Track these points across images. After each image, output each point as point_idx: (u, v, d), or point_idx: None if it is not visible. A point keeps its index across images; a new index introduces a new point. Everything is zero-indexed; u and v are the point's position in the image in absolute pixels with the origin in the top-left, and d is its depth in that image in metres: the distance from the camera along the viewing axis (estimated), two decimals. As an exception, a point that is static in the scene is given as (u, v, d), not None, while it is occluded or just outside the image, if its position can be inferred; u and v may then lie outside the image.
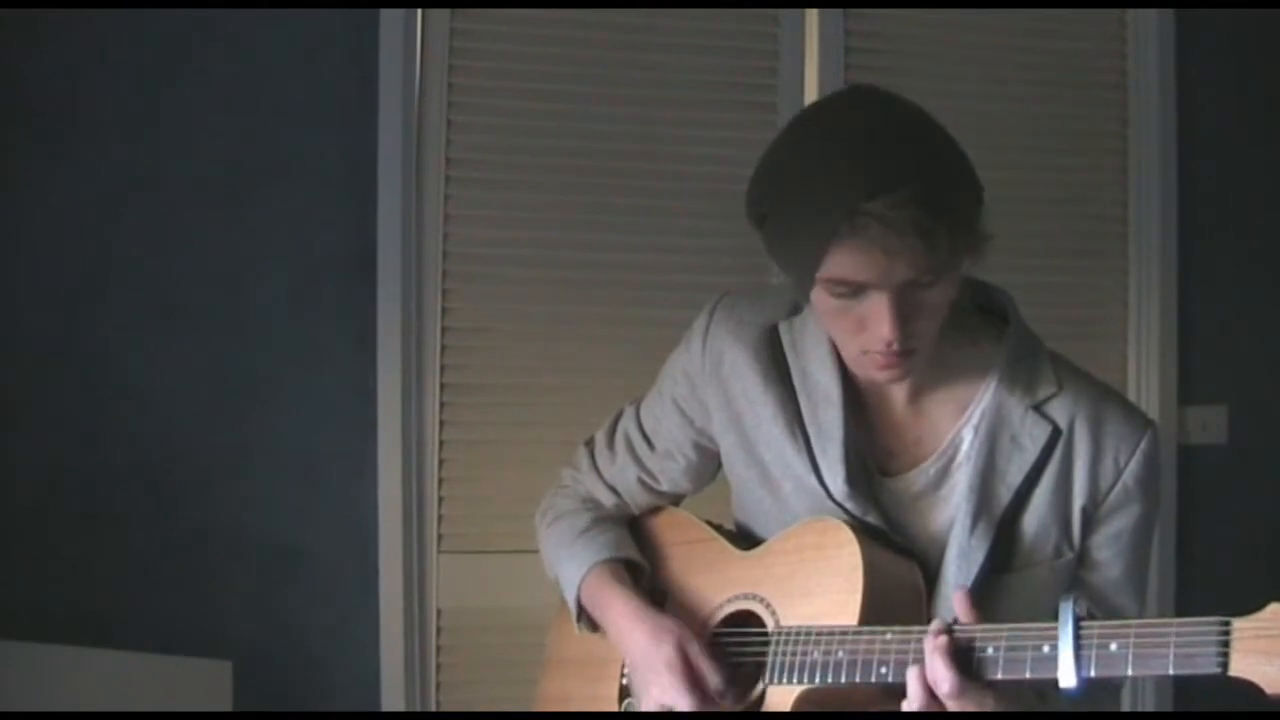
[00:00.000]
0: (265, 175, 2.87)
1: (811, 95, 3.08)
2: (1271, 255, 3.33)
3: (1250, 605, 1.38)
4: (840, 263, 1.54)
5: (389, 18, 2.90)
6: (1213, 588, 3.19)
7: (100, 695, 2.54)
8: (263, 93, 2.87)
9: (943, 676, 1.48)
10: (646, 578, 1.86)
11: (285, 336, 2.88)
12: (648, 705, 1.73)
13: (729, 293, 1.86)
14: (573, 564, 1.86)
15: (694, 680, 1.69)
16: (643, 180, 3.04)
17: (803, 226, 1.55)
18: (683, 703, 1.68)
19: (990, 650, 1.49)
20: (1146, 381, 3.23)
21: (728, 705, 1.69)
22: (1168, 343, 3.24)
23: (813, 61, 3.09)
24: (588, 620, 1.86)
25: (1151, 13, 3.22)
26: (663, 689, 1.70)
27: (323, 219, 2.90)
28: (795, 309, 1.75)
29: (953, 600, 1.55)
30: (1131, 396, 3.07)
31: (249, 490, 2.86)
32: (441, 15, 2.94)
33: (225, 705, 2.73)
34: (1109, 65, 3.26)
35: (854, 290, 1.56)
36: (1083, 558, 1.70)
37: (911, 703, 1.51)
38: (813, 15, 3.10)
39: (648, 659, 1.73)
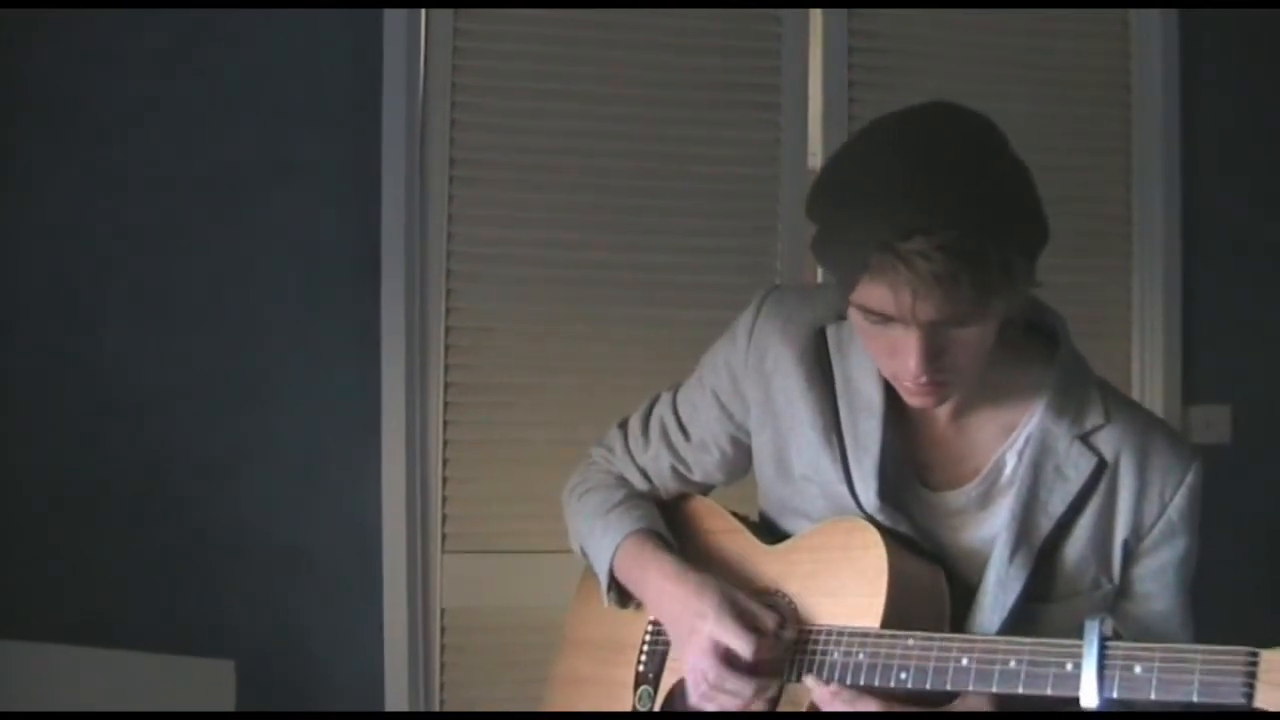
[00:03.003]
0: (269, 175, 2.87)
1: (815, 95, 3.08)
2: (1274, 255, 3.33)
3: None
4: (869, 293, 1.52)
5: (392, 18, 2.90)
6: (1216, 588, 3.17)
7: (102, 695, 2.54)
8: (266, 93, 2.87)
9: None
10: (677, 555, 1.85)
11: (289, 336, 2.88)
12: (693, 653, 1.69)
13: (778, 286, 1.85)
14: (607, 534, 1.85)
15: (747, 620, 1.67)
16: (646, 180, 3.04)
17: (840, 249, 1.54)
18: (739, 640, 1.65)
19: (1013, 664, 1.49)
20: (1150, 381, 3.23)
21: (789, 638, 1.67)
22: (1171, 342, 3.24)
23: (816, 61, 3.09)
24: (617, 592, 1.86)
25: (1154, 12, 3.22)
26: (713, 629, 1.67)
27: (327, 219, 2.90)
28: (844, 312, 1.70)
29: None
30: (1135, 396, 3.07)
31: (252, 490, 2.86)
32: (445, 15, 2.94)
33: (228, 705, 2.73)
34: (1112, 65, 3.26)
35: (884, 319, 1.54)
36: (1126, 590, 1.69)
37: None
38: (816, 15, 3.09)
39: (690, 609, 1.71)
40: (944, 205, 1.46)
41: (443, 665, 2.95)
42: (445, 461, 2.95)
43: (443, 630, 2.95)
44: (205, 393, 2.85)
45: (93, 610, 2.75)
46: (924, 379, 1.56)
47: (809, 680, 1.60)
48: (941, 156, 1.50)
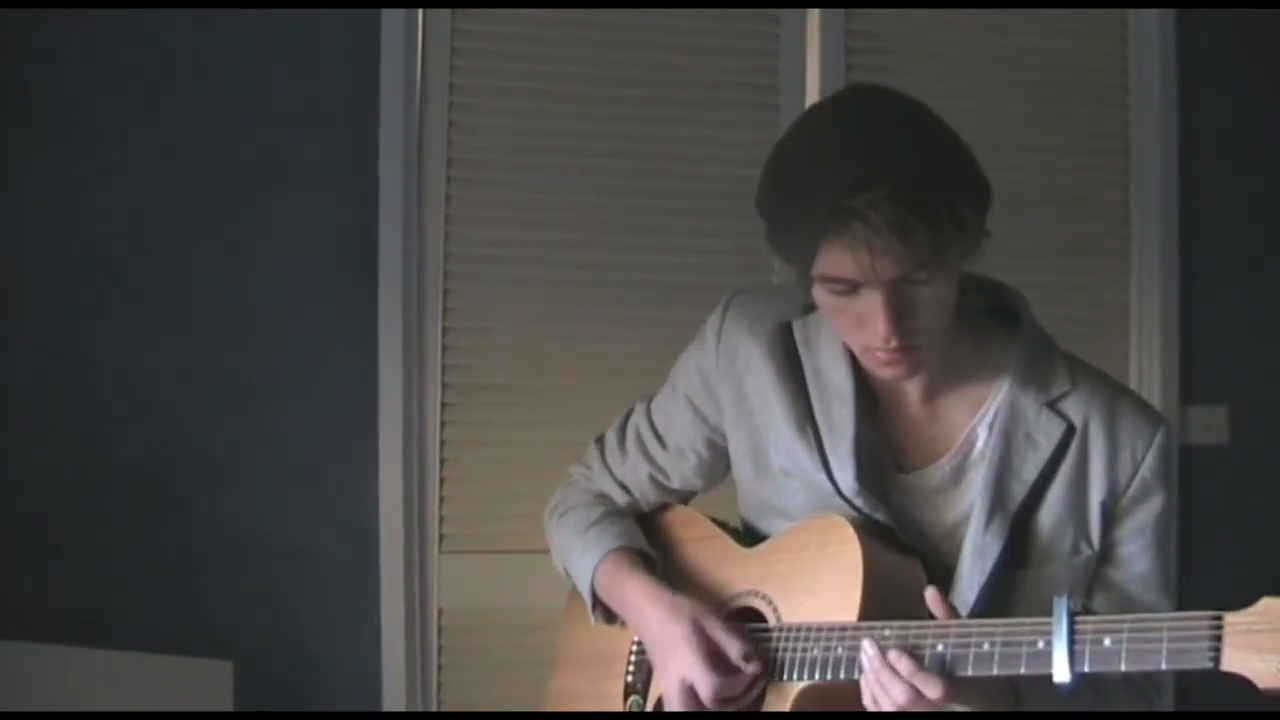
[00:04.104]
0: (267, 175, 2.87)
1: (813, 95, 3.08)
2: (1273, 256, 3.33)
3: (1249, 605, 1.38)
4: (830, 261, 1.56)
5: (390, 18, 2.90)
6: (1214, 589, 3.16)
7: (101, 695, 2.54)
8: (264, 93, 2.87)
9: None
10: (657, 570, 1.85)
11: (287, 336, 2.88)
12: (667, 684, 1.71)
13: (742, 290, 1.87)
14: (586, 553, 1.86)
15: (712, 653, 1.68)
16: (644, 180, 3.04)
17: (795, 225, 1.58)
18: (702, 680, 1.67)
19: (986, 646, 1.51)
20: (1148, 382, 3.23)
21: (752, 672, 1.68)
22: (1169, 343, 3.24)
23: (814, 62, 3.09)
24: (602, 609, 1.86)
25: (1153, 13, 3.22)
26: (680, 665, 1.69)
27: (324, 219, 2.91)
28: (809, 307, 1.74)
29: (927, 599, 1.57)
30: (1133, 397, 3.07)
31: (250, 490, 2.86)
32: (443, 15, 2.94)
33: (226, 705, 2.73)
34: (1111, 65, 3.26)
35: (849, 287, 1.58)
36: (1108, 555, 1.71)
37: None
38: (814, 15, 3.10)
39: (665, 636, 1.72)
40: (886, 161, 1.51)
41: (440, 665, 2.95)
42: (443, 462, 2.95)
43: (440, 630, 2.95)
44: (205, 393, 2.85)
45: (93, 610, 2.75)
46: (894, 343, 1.59)
47: (865, 644, 1.58)
48: (876, 122, 1.56)
